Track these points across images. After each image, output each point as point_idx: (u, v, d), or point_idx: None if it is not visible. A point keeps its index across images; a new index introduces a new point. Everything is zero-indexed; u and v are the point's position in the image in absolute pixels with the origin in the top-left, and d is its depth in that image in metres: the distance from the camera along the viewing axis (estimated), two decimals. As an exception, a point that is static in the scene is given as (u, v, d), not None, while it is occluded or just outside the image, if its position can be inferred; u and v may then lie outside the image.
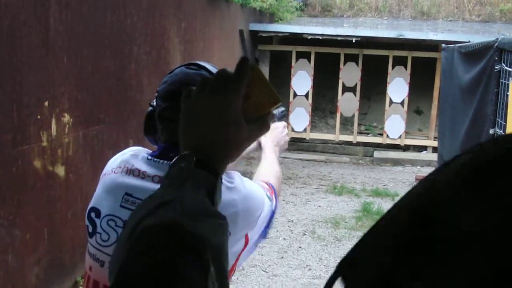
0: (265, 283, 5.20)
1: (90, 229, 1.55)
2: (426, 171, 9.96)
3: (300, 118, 11.09)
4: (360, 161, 10.92)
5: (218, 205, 0.88)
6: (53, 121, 4.20)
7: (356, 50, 10.70)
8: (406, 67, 10.69)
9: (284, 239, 6.37)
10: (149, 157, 1.55)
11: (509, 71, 4.77)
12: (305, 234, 6.54)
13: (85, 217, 1.56)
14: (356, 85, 10.87)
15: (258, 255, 5.83)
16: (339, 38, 10.45)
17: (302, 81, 10.94)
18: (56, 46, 4.14)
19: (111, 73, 5.13)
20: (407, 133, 11.13)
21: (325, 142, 11.38)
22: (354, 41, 10.34)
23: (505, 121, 4.81)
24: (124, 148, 1.69)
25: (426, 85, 11.10)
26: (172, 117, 1.50)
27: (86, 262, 1.57)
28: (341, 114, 11.11)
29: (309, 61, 10.89)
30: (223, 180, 1.47)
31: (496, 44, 5.24)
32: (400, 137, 10.94)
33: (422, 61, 10.76)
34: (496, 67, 5.20)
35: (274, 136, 2.07)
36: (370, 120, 12.12)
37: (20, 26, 3.70)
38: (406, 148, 11.16)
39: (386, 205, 7.82)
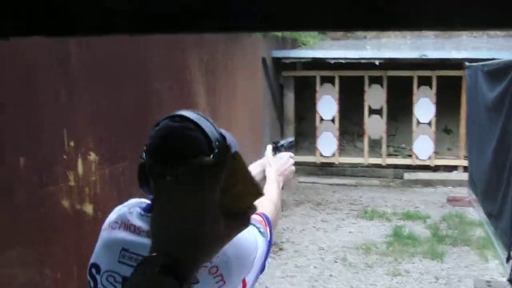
0: (297, 313, 5.16)
1: (92, 285, 1.56)
2: (458, 191, 9.84)
3: (327, 142, 11.06)
4: (391, 183, 10.83)
5: None
6: (79, 160, 4.25)
7: (380, 72, 10.67)
8: (431, 87, 10.62)
9: (315, 267, 6.32)
10: (142, 213, 1.57)
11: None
12: (336, 262, 6.48)
13: (86, 273, 1.58)
14: (382, 107, 10.82)
15: (289, 284, 5.80)
16: (362, 61, 10.43)
17: (327, 105, 10.93)
18: (77, 87, 4.21)
19: (133, 109, 5.19)
20: (436, 153, 11.01)
21: (354, 165, 11.32)
22: (377, 63, 10.32)
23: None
24: None
25: (453, 103, 10.99)
26: (161, 172, 1.50)
27: None
28: (369, 137, 11.06)
29: (334, 85, 10.89)
30: None
31: (518, 63, 5.18)
32: (429, 157, 10.82)
33: (447, 80, 10.66)
34: (520, 85, 5.14)
35: (279, 166, 2.12)
36: (399, 142, 12.02)
37: (42, 68, 3.78)
38: (436, 168, 11.02)
39: (417, 228, 7.72)
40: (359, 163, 11.25)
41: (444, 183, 10.47)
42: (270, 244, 1.67)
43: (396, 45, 12.98)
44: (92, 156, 4.46)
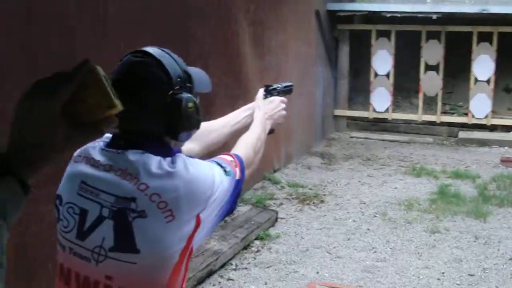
0: (328, 264, 5.19)
1: (56, 215, 1.63)
2: (514, 152, 9.59)
3: (381, 98, 10.90)
4: (445, 141, 10.62)
5: (11, 202, 0.86)
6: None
7: (438, 27, 10.36)
8: (491, 43, 10.25)
9: (354, 221, 6.32)
10: (103, 147, 1.61)
11: None
12: (375, 216, 6.46)
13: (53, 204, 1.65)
14: (439, 63, 10.54)
15: (324, 236, 5.83)
16: (419, 15, 10.15)
17: (382, 60, 10.73)
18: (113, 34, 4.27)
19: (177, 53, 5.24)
20: (494, 112, 10.69)
21: (408, 122, 11.14)
22: (435, 17, 10.02)
23: None
24: None
25: (515, 62, 10.60)
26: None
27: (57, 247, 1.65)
28: (424, 94, 10.82)
29: (390, 39, 10.66)
30: (164, 165, 1.51)
31: None
32: (486, 116, 10.53)
33: (510, 37, 10.26)
34: None
35: (268, 108, 2.12)
36: (456, 100, 11.71)
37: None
38: (493, 128, 10.72)
39: (465, 187, 7.58)
40: (412, 120, 11.06)
41: (500, 143, 10.18)
42: (239, 184, 1.69)
43: (461, -1, 12.54)
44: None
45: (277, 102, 2.16)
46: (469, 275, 5.03)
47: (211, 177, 1.59)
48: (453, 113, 11.32)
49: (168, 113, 1.56)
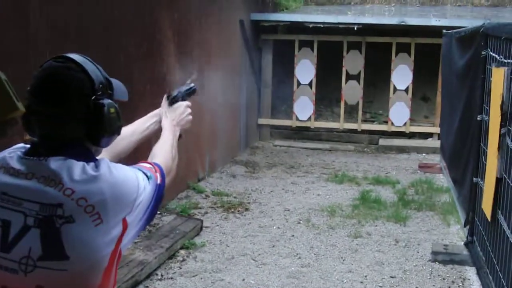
0: (253, 271, 5.23)
1: None
2: (432, 158, 9.95)
3: (304, 107, 11.09)
4: (366, 149, 10.90)
5: None
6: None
7: (359, 38, 10.65)
8: (410, 54, 10.63)
9: (278, 227, 6.40)
10: (22, 156, 1.59)
11: (494, 57, 4.73)
12: (299, 223, 6.56)
13: None
14: (359, 72, 10.83)
15: (249, 244, 5.88)
16: (341, 26, 10.40)
17: (305, 69, 10.93)
18: (39, 41, 4.20)
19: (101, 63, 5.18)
20: (412, 120, 11.07)
21: (330, 130, 11.37)
22: (356, 28, 10.29)
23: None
24: None
25: (431, 71, 11.00)
26: (41, 111, 1.55)
27: None
28: (346, 102, 11.09)
29: (312, 49, 10.88)
30: (88, 169, 1.52)
31: (481, 30, 5.20)
32: (405, 124, 10.89)
33: (427, 48, 10.66)
34: (482, 53, 5.16)
35: (175, 115, 2.18)
36: (376, 108, 12.06)
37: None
38: (412, 135, 11.10)
39: (385, 192, 7.81)
40: (334, 128, 11.30)
41: (418, 149, 10.55)
42: (161, 188, 1.73)
43: (381, 11, 12.93)
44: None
45: (182, 108, 2.22)
46: (390, 277, 5.18)
47: (135, 180, 1.62)
48: (374, 121, 11.63)
49: (90, 118, 1.56)
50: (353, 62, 10.81)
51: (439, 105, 10.51)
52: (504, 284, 3.93)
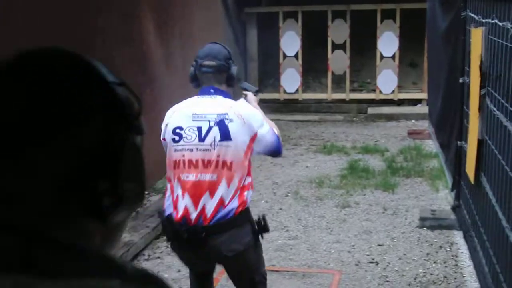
0: (240, 246, 5.20)
1: (177, 139, 3.09)
2: (421, 124, 9.89)
3: (291, 79, 10.99)
4: (355, 118, 10.83)
5: None
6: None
7: (343, 6, 10.53)
8: (395, 20, 10.51)
9: (266, 201, 6.37)
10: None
11: (473, 17, 4.65)
12: (287, 196, 6.53)
13: None
14: (345, 42, 10.72)
15: (237, 219, 5.84)
16: (324, -5, 10.28)
17: (291, 41, 10.82)
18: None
19: (76, 47, 5.09)
20: (400, 87, 10.98)
21: (318, 101, 11.28)
22: (340, -4, 10.18)
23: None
24: None
25: (418, 37, 10.86)
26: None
27: None
28: (333, 73, 10.99)
29: (297, 20, 10.76)
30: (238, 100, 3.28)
31: (461, -10, 5.11)
32: (393, 91, 10.81)
33: (413, 13, 10.53)
34: (462, 14, 5.08)
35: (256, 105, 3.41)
36: (364, 77, 11.95)
37: None
38: (400, 102, 11.03)
39: (374, 161, 7.77)
40: (323, 99, 11.21)
41: (407, 116, 10.49)
42: (278, 138, 3.20)
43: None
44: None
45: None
46: (378, 245, 5.16)
47: (260, 119, 3.11)
48: (362, 90, 11.56)
49: None
50: (339, 31, 10.69)
51: (426, 70, 10.44)
52: (489, 246, 3.90)
